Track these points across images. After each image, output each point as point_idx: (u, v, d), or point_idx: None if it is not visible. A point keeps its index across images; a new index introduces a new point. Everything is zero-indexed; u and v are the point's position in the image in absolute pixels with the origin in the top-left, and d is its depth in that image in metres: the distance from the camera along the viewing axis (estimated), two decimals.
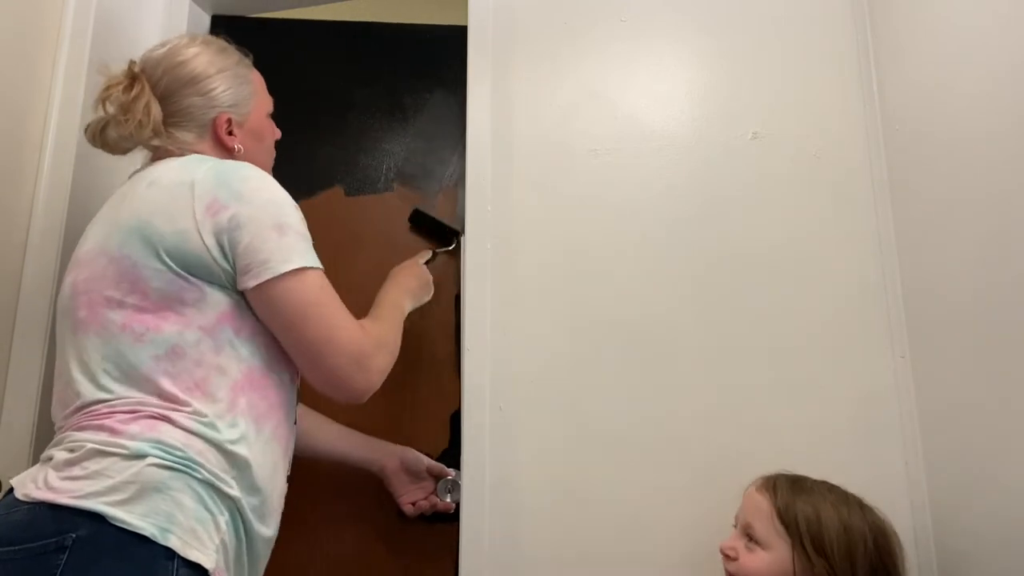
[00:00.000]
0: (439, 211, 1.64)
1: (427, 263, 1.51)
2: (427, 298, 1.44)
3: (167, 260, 1.00)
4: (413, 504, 1.42)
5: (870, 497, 1.28)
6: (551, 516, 1.36)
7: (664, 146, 1.49)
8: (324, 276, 1.06)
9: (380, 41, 1.78)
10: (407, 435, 1.50)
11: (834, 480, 1.27)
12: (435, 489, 1.43)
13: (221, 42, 1.22)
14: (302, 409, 1.39)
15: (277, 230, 1.03)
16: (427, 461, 1.44)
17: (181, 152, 1.13)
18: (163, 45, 1.19)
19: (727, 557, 1.10)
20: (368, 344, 1.10)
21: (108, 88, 1.12)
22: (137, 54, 1.63)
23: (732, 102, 1.49)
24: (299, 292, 1.03)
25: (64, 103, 1.42)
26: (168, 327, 0.99)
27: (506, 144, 1.53)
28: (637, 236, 1.45)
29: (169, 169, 1.07)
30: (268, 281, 1.01)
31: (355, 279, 1.52)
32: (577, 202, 1.48)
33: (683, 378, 1.38)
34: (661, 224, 1.45)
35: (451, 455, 1.48)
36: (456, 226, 1.58)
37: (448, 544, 1.42)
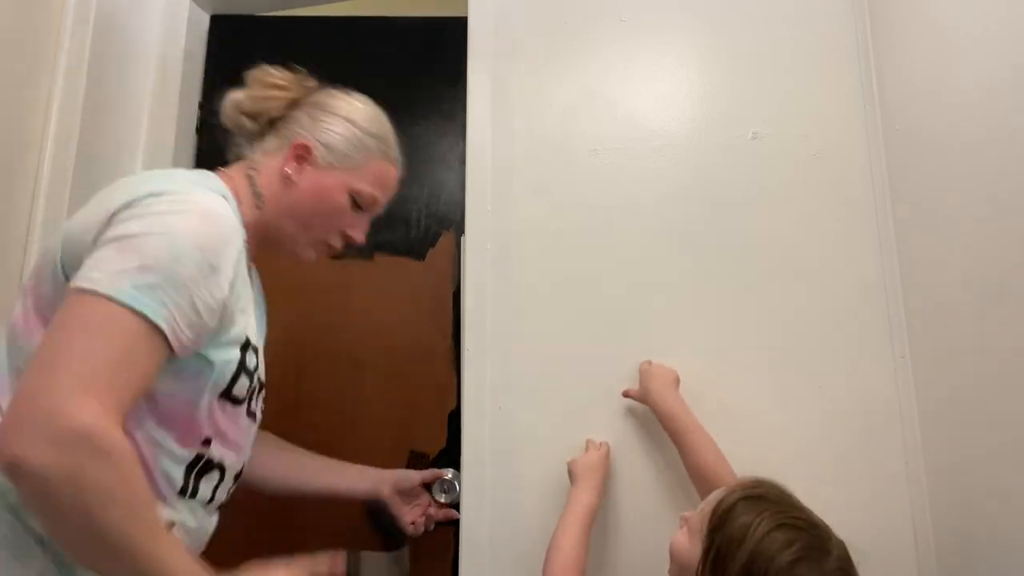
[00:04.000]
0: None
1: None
2: None
3: (60, 265, 0.89)
4: (414, 524, 1.37)
5: (870, 497, 1.29)
6: (551, 516, 1.35)
7: (664, 146, 1.49)
8: (124, 321, 0.80)
9: (380, 35, 1.77)
10: (404, 435, 1.50)
11: (834, 480, 1.27)
12: (430, 502, 1.40)
13: (391, 128, 1.18)
14: (281, 449, 1.31)
15: (121, 249, 0.83)
16: (417, 476, 1.40)
17: (243, 165, 1.12)
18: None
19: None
20: (86, 417, 0.74)
21: (273, 76, 1.14)
22: (137, 53, 1.64)
23: (732, 102, 1.49)
24: (70, 311, 0.81)
25: (64, 103, 1.42)
26: (39, 338, 0.85)
27: (506, 144, 1.53)
28: (637, 236, 1.45)
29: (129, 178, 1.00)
30: (70, 288, 0.82)
31: (353, 276, 1.52)
32: (577, 202, 1.48)
33: (683, 378, 1.37)
34: (661, 224, 1.45)
35: (449, 454, 1.48)
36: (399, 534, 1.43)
37: (447, 544, 1.42)
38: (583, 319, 1.43)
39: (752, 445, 1.32)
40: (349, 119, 1.13)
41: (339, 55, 1.75)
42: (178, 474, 0.93)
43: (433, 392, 1.54)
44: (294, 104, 1.14)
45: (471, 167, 1.51)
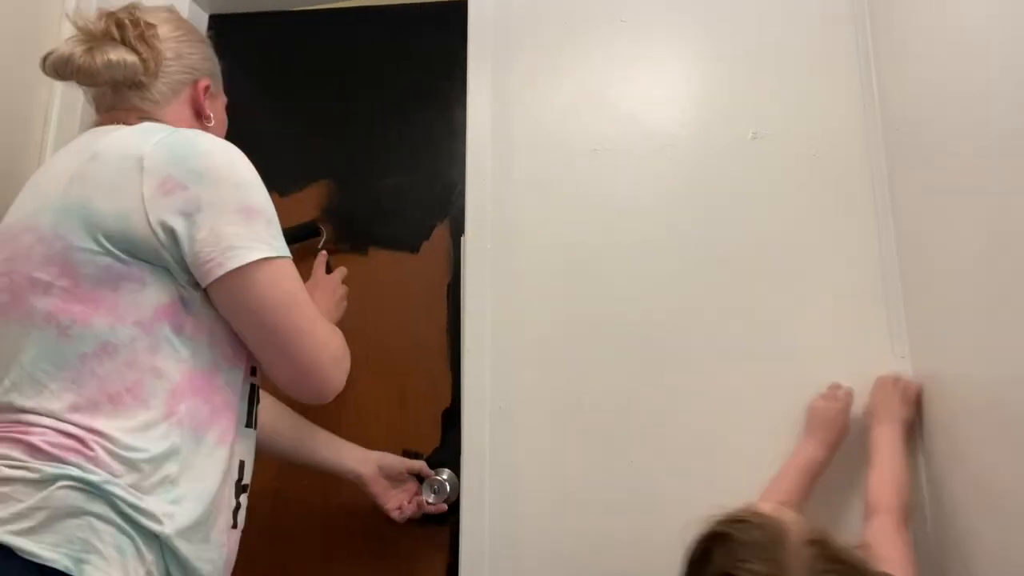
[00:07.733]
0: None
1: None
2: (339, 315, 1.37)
3: (105, 243, 0.88)
4: (399, 509, 1.35)
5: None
6: (551, 516, 1.36)
7: (664, 146, 1.49)
8: (294, 266, 0.96)
9: (377, 26, 1.75)
10: (397, 433, 1.47)
11: (833, 480, 1.27)
12: (419, 490, 1.39)
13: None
14: (276, 407, 1.29)
15: (243, 214, 0.91)
16: (407, 463, 1.38)
17: (137, 116, 1.01)
18: (135, 6, 1.06)
19: None
20: (342, 341, 1.05)
21: (122, 20, 1.01)
22: None
23: (732, 102, 1.49)
24: (270, 284, 0.92)
25: (64, 103, 1.43)
26: (98, 320, 0.87)
27: (506, 144, 1.53)
28: (637, 235, 1.45)
29: (116, 140, 0.94)
30: (233, 271, 0.89)
31: (353, 275, 1.51)
32: (577, 201, 1.48)
33: (683, 377, 1.37)
34: (661, 224, 1.45)
35: (443, 454, 1.46)
36: (307, 219, 1.56)
37: (440, 545, 1.41)
38: (583, 318, 1.43)
39: (752, 445, 1.32)
40: (199, 38, 1.11)
41: (337, 48, 1.74)
42: (243, 407, 0.99)
43: (427, 389, 1.51)
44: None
45: (471, 166, 1.51)
